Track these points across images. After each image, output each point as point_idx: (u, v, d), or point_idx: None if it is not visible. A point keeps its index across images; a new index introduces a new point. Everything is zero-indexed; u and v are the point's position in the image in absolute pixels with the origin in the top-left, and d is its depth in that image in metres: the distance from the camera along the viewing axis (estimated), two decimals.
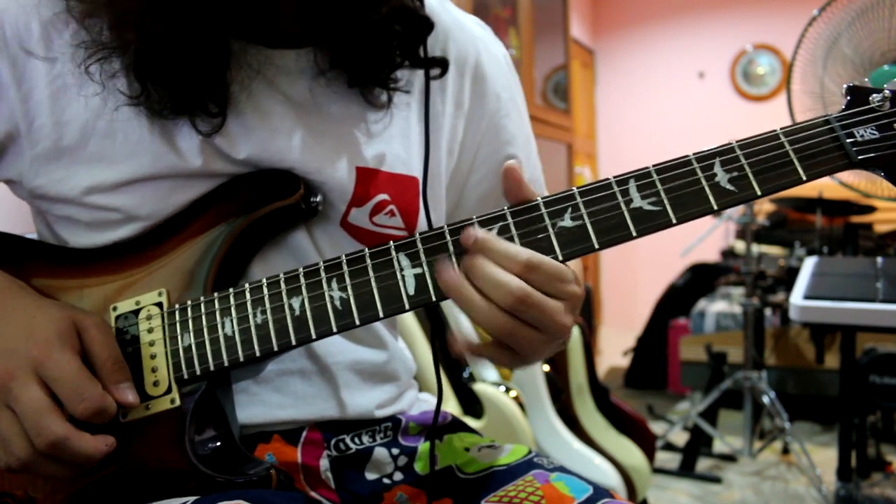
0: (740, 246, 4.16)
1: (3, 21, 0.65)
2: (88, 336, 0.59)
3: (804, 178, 0.57)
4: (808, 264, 2.11)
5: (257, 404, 0.70)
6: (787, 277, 3.33)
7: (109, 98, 0.65)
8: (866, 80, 0.60)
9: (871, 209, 3.50)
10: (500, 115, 0.82)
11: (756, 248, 3.24)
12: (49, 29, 0.65)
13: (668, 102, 5.81)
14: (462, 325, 1.96)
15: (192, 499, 0.59)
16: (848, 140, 0.58)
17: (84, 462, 0.57)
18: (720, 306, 3.85)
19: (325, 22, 0.68)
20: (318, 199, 0.68)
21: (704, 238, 3.38)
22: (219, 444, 0.64)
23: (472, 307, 0.55)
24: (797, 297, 1.92)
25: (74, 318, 0.60)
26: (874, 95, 0.58)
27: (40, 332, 0.58)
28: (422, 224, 0.74)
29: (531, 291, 0.55)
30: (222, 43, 0.65)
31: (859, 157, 0.57)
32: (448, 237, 0.59)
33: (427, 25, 0.71)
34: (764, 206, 4.10)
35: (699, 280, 4.34)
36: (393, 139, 0.74)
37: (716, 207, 0.57)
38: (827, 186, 3.15)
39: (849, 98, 0.60)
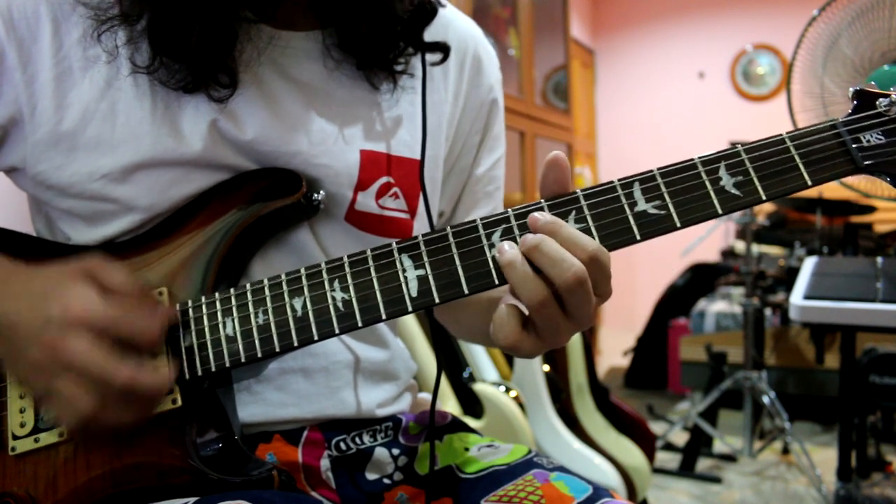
0: (740, 246, 4.16)
1: (10, 4, 0.65)
2: (101, 278, 0.59)
3: (809, 182, 0.57)
4: (808, 264, 2.11)
5: (259, 403, 0.70)
6: (787, 277, 3.33)
7: (118, 73, 0.65)
8: (872, 83, 0.59)
9: (871, 209, 3.50)
10: (492, 107, 0.86)
11: (756, 248, 3.24)
12: (56, 12, 0.66)
13: (668, 102, 5.81)
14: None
15: (194, 499, 0.59)
16: (854, 145, 0.57)
17: (154, 396, 0.58)
18: (720, 306, 3.85)
19: (334, 4, 0.70)
20: (321, 196, 0.69)
21: (704, 238, 3.39)
22: (220, 444, 0.64)
23: (524, 282, 0.55)
24: (797, 297, 1.92)
25: (79, 269, 0.60)
26: (881, 100, 0.58)
27: (64, 294, 0.57)
28: (421, 207, 0.76)
29: (588, 277, 0.54)
30: (232, 15, 0.65)
31: (865, 163, 0.57)
32: (451, 239, 0.59)
33: (432, 10, 0.74)
34: (764, 207, 4.10)
35: (699, 280, 4.34)
36: (398, 123, 0.75)
37: (721, 212, 0.57)
38: (827, 186, 3.13)
39: (855, 102, 0.59)
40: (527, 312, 0.57)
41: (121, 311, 0.58)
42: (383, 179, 0.73)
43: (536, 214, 0.56)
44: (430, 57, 0.76)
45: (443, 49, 0.75)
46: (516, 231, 0.58)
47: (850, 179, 1.59)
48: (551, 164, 0.59)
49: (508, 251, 0.56)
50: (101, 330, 0.56)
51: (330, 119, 0.71)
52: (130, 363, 0.56)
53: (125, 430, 0.59)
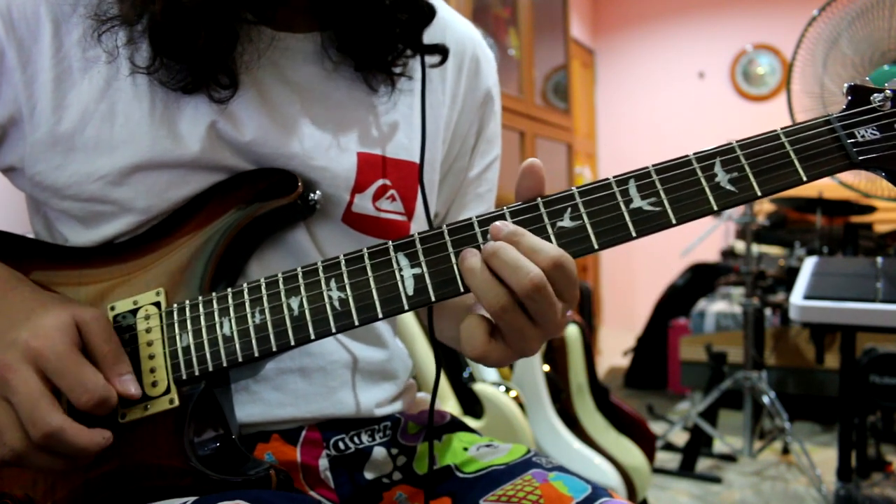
0: (740, 246, 4.16)
1: (10, 4, 0.65)
2: (88, 329, 0.59)
3: (804, 178, 0.57)
4: (808, 264, 2.11)
5: (257, 403, 0.70)
6: (787, 277, 3.33)
7: (117, 73, 0.65)
8: (868, 78, 0.59)
9: (871, 209, 3.50)
10: (488, 110, 0.85)
11: (756, 248, 3.24)
12: (56, 13, 0.66)
13: (668, 102, 5.81)
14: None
15: (192, 499, 0.59)
16: (849, 140, 0.57)
17: (79, 455, 0.56)
18: (720, 306, 3.85)
19: (333, 6, 0.70)
20: (317, 196, 0.68)
21: (704, 238, 3.39)
22: (218, 444, 0.64)
23: (484, 288, 0.55)
24: (797, 297, 1.91)
25: (74, 311, 0.60)
26: (875, 95, 0.58)
27: (40, 324, 0.58)
28: (419, 209, 0.75)
29: (548, 283, 0.54)
30: (233, 16, 0.65)
31: (860, 158, 0.57)
32: (447, 237, 0.59)
33: (430, 13, 0.73)
34: (764, 206, 4.10)
35: (699, 280, 4.34)
36: (395, 125, 0.75)
37: (716, 208, 0.57)
38: (827, 186, 3.15)
39: (850, 98, 0.59)
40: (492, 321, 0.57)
41: (74, 363, 0.57)
42: (380, 182, 0.73)
43: (499, 224, 0.56)
44: (428, 59, 0.75)
45: (441, 51, 0.75)
46: None
47: (849, 179, 1.59)
48: (527, 172, 0.59)
49: (469, 258, 0.56)
50: (50, 371, 0.56)
51: (327, 121, 0.71)
52: (66, 417, 0.55)
53: (55, 474, 0.59)
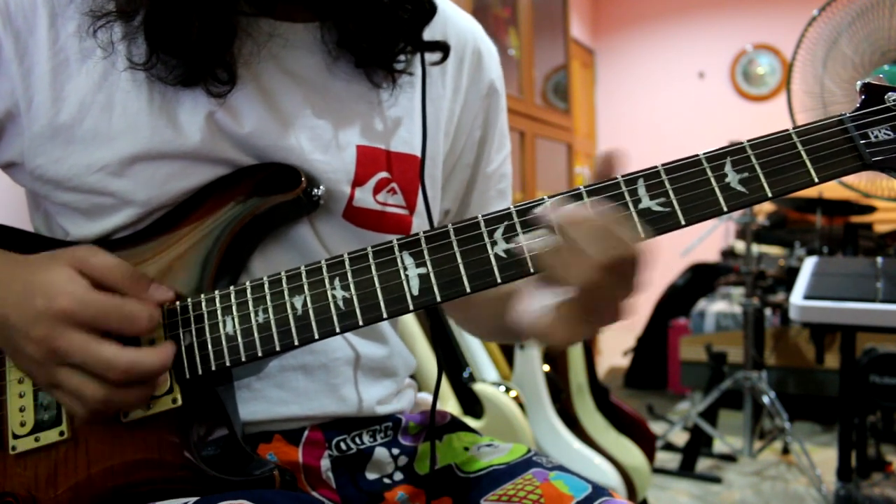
0: (740, 246, 4.15)
1: None
2: (90, 268, 0.59)
3: (816, 179, 0.56)
4: (808, 264, 2.11)
5: (259, 401, 0.70)
6: (787, 277, 3.33)
7: (114, 67, 0.65)
8: (881, 76, 0.58)
9: (871, 209, 3.50)
10: (493, 102, 0.85)
11: (756, 248, 3.24)
12: (53, 4, 0.65)
13: (668, 102, 5.82)
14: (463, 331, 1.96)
15: (194, 499, 0.59)
16: (862, 141, 0.56)
17: (155, 376, 0.59)
18: (720, 306, 3.85)
19: (332, 1, 0.70)
20: (320, 192, 0.68)
21: (704, 238, 3.38)
22: (222, 443, 0.64)
23: (565, 265, 0.53)
24: (797, 297, 1.91)
25: (67, 259, 0.60)
26: (890, 94, 0.56)
27: (49, 286, 0.57)
28: (421, 203, 0.75)
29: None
30: (231, 9, 0.65)
31: (873, 159, 0.55)
32: (453, 237, 0.58)
33: (431, 10, 0.73)
34: (764, 206, 4.11)
35: (699, 280, 4.34)
36: (396, 120, 0.75)
37: (725, 209, 0.56)
38: (827, 186, 3.13)
39: (863, 97, 0.57)
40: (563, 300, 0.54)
41: (109, 302, 0.58)
42: (381, 175, 0.73)
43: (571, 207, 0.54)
44: (429, 56, 0.75)
45: (442, 48, 0.75)
46: (518, 228, 0.57)
47: (850, 179, 1.59)
48: (607, 160, 0.58)
49: (544, 239, 0.54)
50: (89, 321, 0.57)
51: (327, 114, 0.71)
52: (128, 348, 0.57)
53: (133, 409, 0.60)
